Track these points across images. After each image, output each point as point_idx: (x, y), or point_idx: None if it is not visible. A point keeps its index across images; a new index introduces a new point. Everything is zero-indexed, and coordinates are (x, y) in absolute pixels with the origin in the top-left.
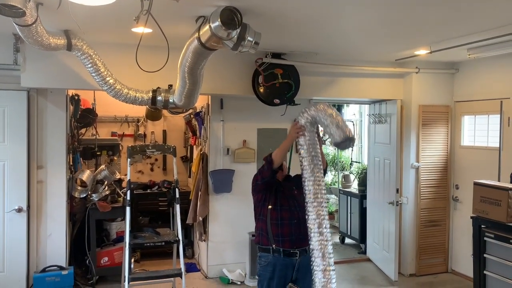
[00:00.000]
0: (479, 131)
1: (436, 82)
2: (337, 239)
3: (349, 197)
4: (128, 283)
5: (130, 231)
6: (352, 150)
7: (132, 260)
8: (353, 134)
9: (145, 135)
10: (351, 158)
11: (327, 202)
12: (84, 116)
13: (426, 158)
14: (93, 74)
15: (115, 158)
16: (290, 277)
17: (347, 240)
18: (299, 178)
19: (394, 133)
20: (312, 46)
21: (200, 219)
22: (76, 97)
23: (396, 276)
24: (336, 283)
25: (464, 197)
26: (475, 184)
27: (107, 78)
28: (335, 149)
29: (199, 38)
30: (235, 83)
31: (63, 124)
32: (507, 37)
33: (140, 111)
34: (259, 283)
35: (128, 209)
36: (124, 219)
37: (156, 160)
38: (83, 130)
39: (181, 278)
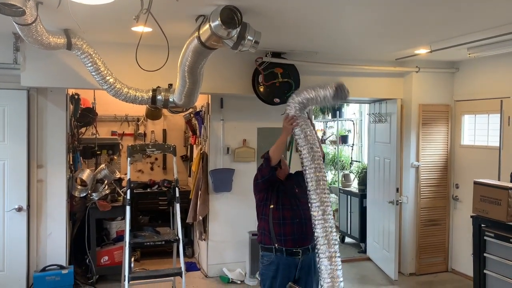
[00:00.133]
0: (479, 130)
1: (436, 81)
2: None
3: (349, 196)
4: (128, 282)
5: (130, 230)
6: (352, 149)
7: (132, 259)
8: (338, 82)
9: (145, 134)
10: (351, 157)
11: None
12: (84, 115)
13: (426, 157)
14: (93, 73)
15: (115, 157)
16: (293, 276)
17: (347, 239)
18: (299, 175)
19: (394, 132)
20: (312, 45)
21: (200, 218)
22: (76, 96)
23: (396, 275)
24: (342, 270)
25: (464, 196)
26: (475, 183)
27: (107, 77)
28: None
29: (199, 37)
30: (235, 82)
31: (63, 123)
32: (507, 36)
33: (140, 110)
34: (261, 282)
35: (128, 208)
36: (124, 218)
37: (156, 159)
38: (83, 129)
39: (181, 277)
